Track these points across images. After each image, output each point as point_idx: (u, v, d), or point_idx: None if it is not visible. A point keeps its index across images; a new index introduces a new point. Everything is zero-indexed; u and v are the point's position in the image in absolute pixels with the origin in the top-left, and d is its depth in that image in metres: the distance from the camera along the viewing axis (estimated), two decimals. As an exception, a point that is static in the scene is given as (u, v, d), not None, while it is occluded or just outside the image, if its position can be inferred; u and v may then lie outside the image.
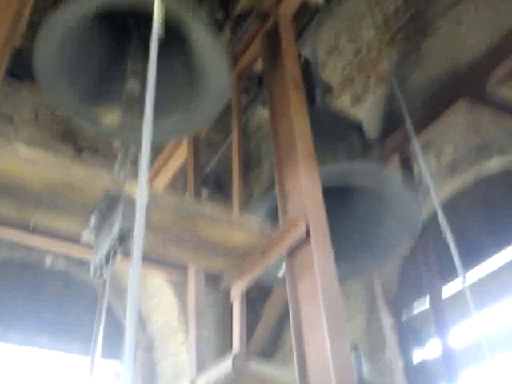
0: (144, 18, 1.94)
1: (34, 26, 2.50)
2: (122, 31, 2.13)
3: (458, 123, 2.78)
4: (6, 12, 1.79)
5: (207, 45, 1.89)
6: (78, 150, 3.51)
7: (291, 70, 2.11)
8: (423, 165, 2.03)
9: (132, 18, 2.09)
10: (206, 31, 1.86)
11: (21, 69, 2.97)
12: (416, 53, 3.08)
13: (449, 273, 2.56)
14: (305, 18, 2.99)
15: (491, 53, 2.60)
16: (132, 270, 0.93)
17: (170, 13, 1.73)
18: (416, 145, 2.32)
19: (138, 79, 1.93)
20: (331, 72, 3.54)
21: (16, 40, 2.35)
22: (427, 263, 2.78)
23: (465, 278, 2.08)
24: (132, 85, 1.91)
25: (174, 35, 1.92)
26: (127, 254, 1.59)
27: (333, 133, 2.48)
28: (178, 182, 3.29)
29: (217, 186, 3.59)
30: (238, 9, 2.64)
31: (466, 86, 2.57)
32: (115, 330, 2.73)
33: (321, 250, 1.60)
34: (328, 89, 3.18)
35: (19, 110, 3.39)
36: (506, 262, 2.82)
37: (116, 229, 1.48)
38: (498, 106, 2.57)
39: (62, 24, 1.81)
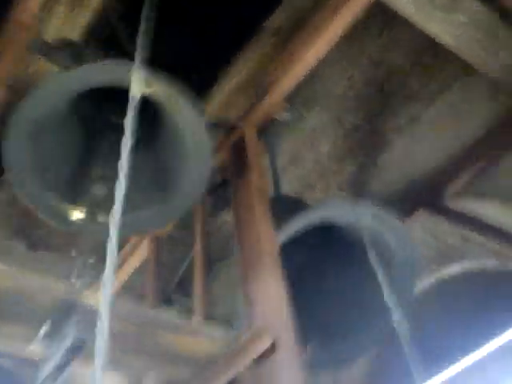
0: (121, 104, 1.93)
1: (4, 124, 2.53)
2: (95, 119, 2.12)
3: (417, 232, 2.88)
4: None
5: (191, 130, 1.89)
6: (32, 247, 3.40)
7: (257, 181, 2.18)
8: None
9: (107, 105, 2.07)
10: (190, 116, 1.86)
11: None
12: (373, 166, 3.24)
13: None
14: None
15: (449, 165, 2.76)
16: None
17: (152, 95, 1.73)
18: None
19: (104, 183, 1.92)
20: (291, 180, 3.65)
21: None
22: (395, 367, 2.71)
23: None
24: (97, 190, 1.90)
25: (154, 123, 1.93)
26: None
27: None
28: (136, 279, 3.20)
29: (180, 285, 3.51)
30: (205, 119, 2.75)
31: (423, 198, 2.69)
32: None
33: (288, 363, 1.57)
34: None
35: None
36: (469, 365, 2.81)
37: (68, 340, 1.41)
38: (456, 216, 2.68)
39: (32, 109, 1.80)
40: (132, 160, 2.12)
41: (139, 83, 1.33)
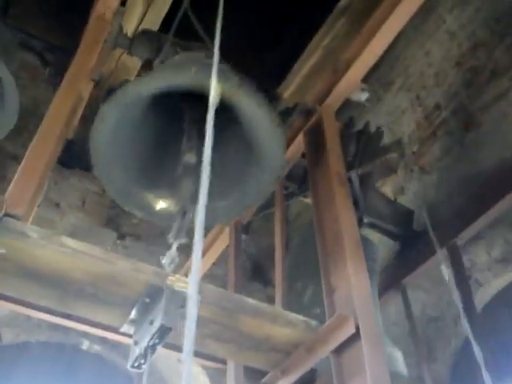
0: (199, 100, 1.92)
1: (84, 120, 2.65)
2: (174, 114, 2.17)
3: (507, 217, 2.71)
4: (62, 111, 1.88)
5: (264, 125, 1.88)
6: (121, 237, 3.56)
7: (336, 166, 2.13)
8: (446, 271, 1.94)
9: (186, 101, 2.12)
10: (263, 113, 1.86)
11: (70, 158, 3.11)
12: (459, 147, 3.08)
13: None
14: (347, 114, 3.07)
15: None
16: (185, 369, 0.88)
17: (226, 96, 1.75)
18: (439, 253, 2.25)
19: (194, 153, 1.93)
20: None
21: (68, 134, 2.48)
22: (477, 360, 2.59)
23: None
24: (188, 158, 1.92)
25: (228, 119, 1.95)
26: (167, 346, 1.56)
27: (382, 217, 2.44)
28: (217, 268, 3.27)
29: (255, 272, 3.54)
30: (282, 105, 2.73)
31: (514, 179, 2.53)
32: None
33: (371, 349, 1.53)
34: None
35: (66, 196, 3.50)
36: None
37: (157, 323, 1.44)
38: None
39: (115, 110, 1.85)
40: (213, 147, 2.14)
41: (218, 88, 1.34)
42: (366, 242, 2.61)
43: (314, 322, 1.71)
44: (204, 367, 3.43)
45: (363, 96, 2.77)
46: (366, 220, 2.74)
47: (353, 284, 1.70)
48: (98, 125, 1.84)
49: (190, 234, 1.26)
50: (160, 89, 1.84)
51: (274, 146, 1.94)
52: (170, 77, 1.86)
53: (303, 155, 2.57)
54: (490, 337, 2.37)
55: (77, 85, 1.97)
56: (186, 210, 1.82)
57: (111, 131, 1.89)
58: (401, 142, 2.80)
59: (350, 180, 2.70)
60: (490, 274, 2.89)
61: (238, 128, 2.00)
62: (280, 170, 2.03)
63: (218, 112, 1.39)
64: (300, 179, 2.87)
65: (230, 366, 2.33)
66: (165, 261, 1.60)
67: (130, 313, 1.55)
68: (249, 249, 3.33)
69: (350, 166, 2.71)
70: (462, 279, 2.49)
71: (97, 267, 1.50)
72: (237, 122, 1.98)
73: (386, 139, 3.22)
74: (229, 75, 1.86)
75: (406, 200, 3.11)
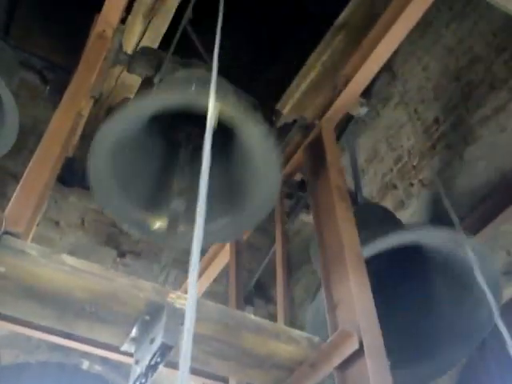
0: (197, 119, 1.95)
1: (83, 138, 2.65)
2: (173, 134, 2.18)
3: (509, 229, 2.70)
4: (62, 129, 1.88)
5: (260, 146, 1.90)
6: (121, 255, 3.55)
7: (336, 180, 2.13)
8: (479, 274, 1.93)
9: (185, 120, 2.13)
10: (260, 132, 1.87)
11: (70, 176, 3.11)
12: (458, 160, 3.09)
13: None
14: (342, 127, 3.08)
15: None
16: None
17: (224, 115, 1.76)
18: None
19: (184, 197, 1.95)
20: (371, 179, 3.55)
21: (68, 152, 2.49)
22: (487, 373, 2.57)
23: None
24: (176, 204, 1.93)
25: (225, 138, 1.96)
26: (169, 365, 1.54)
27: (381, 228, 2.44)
28: (218, 285, 3.25)
29: (258, 289, 3.52)
30: (281, 120, 2.74)
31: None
32: None
33: (376, 365, 1.51)
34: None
35: (66, 214, 3.49)
36: None
37: (158, 341, 1.42)
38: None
39: (114, 130, 1.87)
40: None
41: (215, 108, 1.35)
42: None
43: (316, 339, 1.69)
44: (206, 386, 3.39)
45: (362, 111, 2.78)
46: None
47: (355, 298, 1.68)
48: (97, 144, 1.85)
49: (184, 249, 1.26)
50: (160, 107, 1.85)
51: (270, 163, 1.95)
52: (170, 94, 1.87)
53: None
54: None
55: (77, 102, 1.98)
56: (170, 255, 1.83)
57: (109, 151, 1.90)
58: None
59: None
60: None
61: (234, 147, 2.02)
62: (277, 187, 2.03)
63: (215, 131, 1.40)
64: (299, 195, 2.87)
65: (232, 386, 2.31)
66: (159, 279, 1.59)
67: (130, 331, 1.53)
68: (250, 265, 3.32)
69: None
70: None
71: (96, 285, 1.49)
72: (234, 141, 1.99)
73: (385, 155, 3.23)
74: (227, 93, 1.88)
75: (406, 214, 3.11)
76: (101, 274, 1.51)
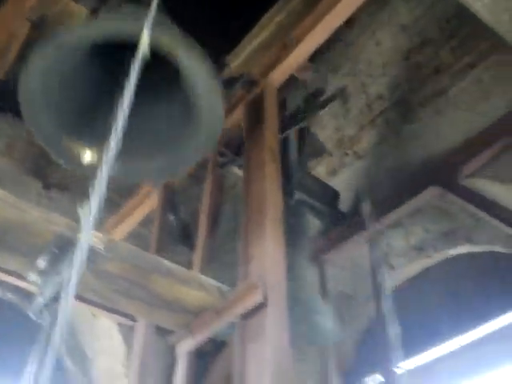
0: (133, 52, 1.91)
1: (20, 61, 2.53)
2: (110, 65, 2.11)
3: (428, 208, 2.84)
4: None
5: (203, 83, 1.87)
6: (46, 187, 3.47)
7: (270, 141, 2.15)
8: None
9: (122, 52, 2.06)
10: (202, 68, 1.84)
11: (1, 100, 2.98)
12: (395, 137, 3.18)
13: (412, 348, 2.51)
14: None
15: (466, 146, 2.70)
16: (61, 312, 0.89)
17: (164, 46, 1.72)
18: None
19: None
20: (309, 144, 3.60)
21: (0, 74, 2.37)
22: (384, 338, 2.72)
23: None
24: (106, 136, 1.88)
25: (164, 72, 1.91)
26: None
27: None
28: (144, 229, 3.25)
29: (185, 237, 3.55)
30: (226, 73, 2.71)
31: (438, 174, 2.64)
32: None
33: (276, 318, 1.58)
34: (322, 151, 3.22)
35: (-6, 140, 3.36)
36: (465, 344, 2.82)
37: (63, 275, 1.43)
38: (467, 197, 2.63)
39: (48, 55, 1.80)
40: (146, 111, 2.09)
41: (148, 38, 1.32)
42: (300, 217, 2.67)
43: (225, 288, 1.74)
44: (119, 325, 3.44)
45: (308, 75, 2.79)
46: (296, 196, 2.79)
47: (268, 255, 1.74)
48: (30, 64, 1.78)
49: (115, 188, 1.25)
50: (96, 35, 1.79)
51: (212, 108, 1.93)
52: (108, 25, 1.82)
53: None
54: (398, 318, 2.49)
55: (10, 22, 1.89)
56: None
57: (43, 74, 1.83)
58: (344, 90, 2.81)
59: (287, 140, 2.71)
60: (405, 259, 3.03)
61: (175, 85, 1.98)
62: (217, 134, 2.03)
63: (153, 66, 1.37)
64: (236, 150, 2.88)
65: (140, 324, 2.35)
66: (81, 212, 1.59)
67: (38, 262, 1.53)
68: (179, 212, 3.33)
69: (289, 124, 2.72)
70: (377, 261, 2.60)
71: (8, 213, 1.48)
72: (174, 79, 1.95)
73: (327, 122, 3.28)
74: (171, 28, 1.83)
75: (336, 182, 3.19)
76: (14, 204, 1.49)
